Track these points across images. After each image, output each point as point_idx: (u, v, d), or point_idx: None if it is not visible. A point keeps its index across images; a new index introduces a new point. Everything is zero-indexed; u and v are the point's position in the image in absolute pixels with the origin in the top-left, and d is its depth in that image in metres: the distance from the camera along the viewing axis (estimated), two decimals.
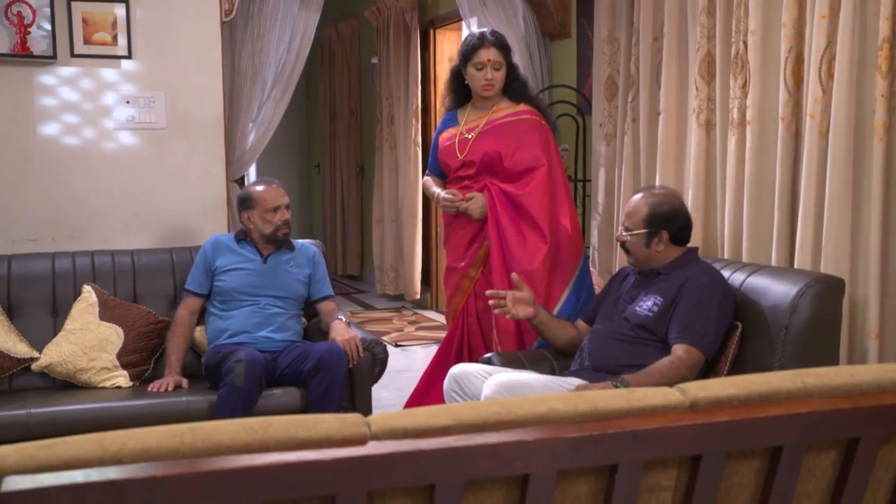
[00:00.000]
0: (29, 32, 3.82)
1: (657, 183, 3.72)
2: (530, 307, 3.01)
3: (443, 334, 4.16)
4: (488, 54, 3.42)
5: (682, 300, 2.70)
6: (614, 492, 1.36)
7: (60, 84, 3.95)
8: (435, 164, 3.68)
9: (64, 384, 3.33)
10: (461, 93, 3.58)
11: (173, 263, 3.63)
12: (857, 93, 2.81)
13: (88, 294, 3.44)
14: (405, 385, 4.18)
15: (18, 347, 3.32)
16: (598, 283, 3.67)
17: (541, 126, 3.48)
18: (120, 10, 3.95)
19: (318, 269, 3.56)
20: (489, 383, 2.66)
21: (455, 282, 3.54)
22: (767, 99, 3.17)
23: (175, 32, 4.07)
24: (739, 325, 2.70)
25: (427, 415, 1.32)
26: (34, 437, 1.22)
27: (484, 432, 1.30)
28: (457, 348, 3.53)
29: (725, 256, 3.36)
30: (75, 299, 3.46)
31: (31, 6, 3.81)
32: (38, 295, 3.47)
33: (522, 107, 3.51)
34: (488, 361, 3.04)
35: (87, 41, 3.94)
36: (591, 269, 3.78)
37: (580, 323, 3.11)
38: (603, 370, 2.76)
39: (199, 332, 3.49)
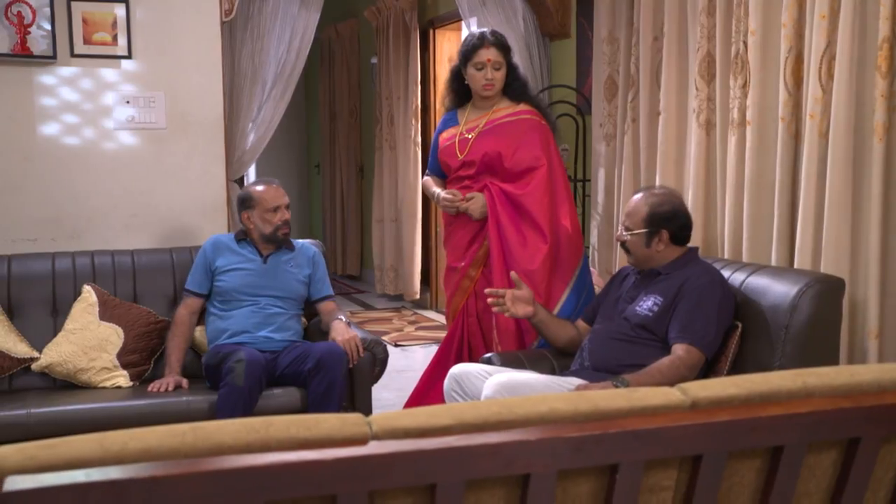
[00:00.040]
0: (29, 32, 3.82)
1: (657, 183, 3.73)
2: (529, 306, 3.01)
3: (442, 334, 4.16)
4: (488, 54, 3.43)
5: (682, 300, 2.71)
6: (615, 491, 1.36)
7: (60, 84, 3.96)
8: (435, 164, 3.68)
9: (64, 384, 3.33)
10: (461, 93, 3.58)
11: (173, 263, 3.63)
12: (856, 93, 2.81)
13: (88, 294, 3.44)
14: (405, 385, 4.18)
15: (18, 347, 3.32)
16: (598, 282, 3.67)
17: (541, 126, 3.48)
18: (120, 10, 3.95)
19: (318, 269, 3.56)
20: (489, 383, 2.67)
21: (455, 282, 3.54)
22: (767, 99, 3.17)
23: (175, 32, 4.07)
24: (739, 325, 2.71)
25: (428, 414, 1.32)
26: (34, 437, 1.22)
27: (485, 432, 1.30)
28: (457, 348, 3.53)
29: (725, 256, 3.36)
30: (75, 299, 3.46)
31: (31, 6, 3.81)
32: (38, 295, 3.47)
33: (522, 107, 3.51)
34: (488, 361, 3.04)
35: (87, 41, 3.94)
36: (591, 268, 3.78)
37: (580, 323, 3.11)
38: (603, 370, 2.76)
39: (199, 332, 3.49)
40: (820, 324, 2.55)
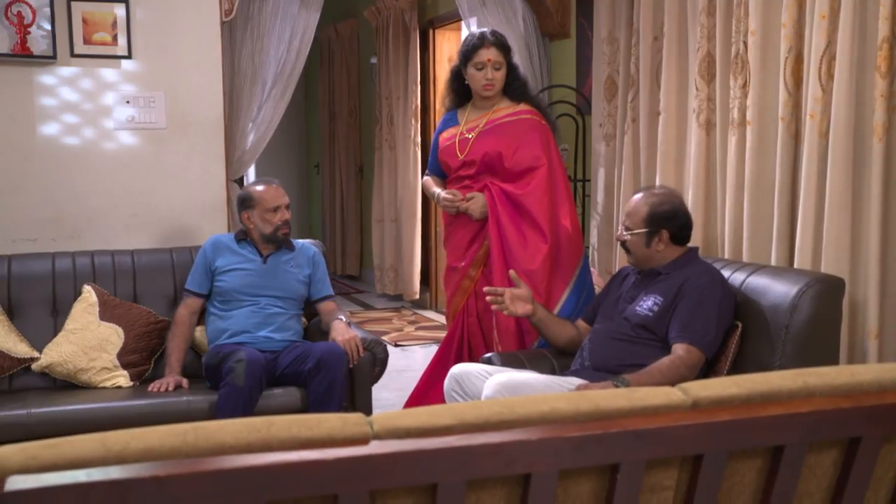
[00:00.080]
0: (29, 32, 3.82)
1: (657, 183, 3.73)
2: (529, 304, 3.01)
3: (442, 334, 4.16)
4: (488, 54, 3.43)
5: (682, 300, 2.71)
6: (616, 491, 1.37)
7: (60, 84, 3.95)
8: (435, 164, 3.68)
9: (64, 384, 3.33)
10: (461, 93, 3.58)
11: (173, 263, 3.63)
12: (856, 93, 2.82)
13: (88, 294, 3.44)
14: (405, 385, 4.19)
15: (19, 347, 3.32)
16: (598, 282, 3.68)
17: (541, 126, 3.48)
18: (120, 10, 3.95)
19: (318, 269, 3.57)
20: (490, 383, 2.67)
21: (455, 282, 3.54)
22: (767, 99, 3.17)
23: (175, 32, 4.07)
24: (739, 325, 2.71)
25: (429, 414, 1.32)
26: (35, 437, 1.22)
27: (486, 432, 1.30)
28: (457, 348, 3.53)
29: (725, 256, 3.36)
30: (75, 299, 3.46)
31: (31, 6, 3.81)
32: (38, 295, 3.47)
33: (523, 106, 3.51)
34: (488, 361, 3.04)
35: (87, 41, 3.94)
36: (591, 268, 3.78)
37: (580, 322, 3.11)
38: (603, 370, 2.77)
39: (200, 332, 3.49)
40: (820, 324, 2.55)
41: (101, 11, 3.94)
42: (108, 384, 3.30)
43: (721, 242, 3.43)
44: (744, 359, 2.68)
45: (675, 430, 1.36)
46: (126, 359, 3.35)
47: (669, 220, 2.82)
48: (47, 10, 3.83)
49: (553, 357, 3.09)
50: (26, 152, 3.93)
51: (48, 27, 3.85)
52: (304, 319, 3.58)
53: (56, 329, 3.41)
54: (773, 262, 3.13)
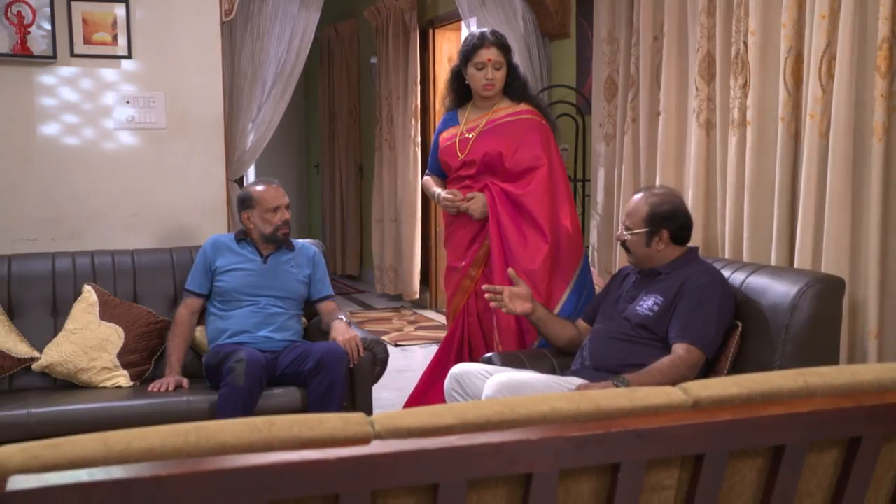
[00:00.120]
0: (29, 32, 3.82)
1: (657, 183, 3.73)
2: (527, 303, 3.02)
3: (442, 334, 4.16)
4: (489, 54, 3.43)
5: (682, 300, 2.71)
6: (617, 491, 1.37)
7: (60, 84, 3.95)
8: (435, 164, 3.68)
9: (64, 384, 3.33)
10: (462, 93, 3.58)
11: (173, 263, 3.63)
12: (856, 93, 2.82)
13: (89, 294, 3.45)
14: (405, 385, 4.19)
15: (19, 347, 3.32)
16: (598, 282, 3.68)
17: (541, 126, 3.48)
18: (120, 10, 3.95)
19: (319, 269, 3.57)
20: (490, 383, 2.67)
21: (456, 281, 3.54)
22: (767, 99, 3.17)
23: (175, 32, 4.07)
24: (740, 325, 2.71)
25: (430, 414, 1.32)
26: (35, 437, 1.22)
27: (487, 431, 1.30)
28: (457, 348, 3.53)
29: (726, 256, 3.36)
30: (75, 299, 3.46)
31: (31, 6, 3.81)
32: (38, 295, 3.47)
33: (523, 106, 3.51)
34: (489, 361, 3.04)
35: (87, 41, 3.94)
36: (591, 268, 3.78)
37: (580, 322, 3.11)
38: (604, 370, 2.77)
39: (200, 332, 3.49)
40: (820, 323, 2.55)
41: (101, 11, 3.94)
42: (108, 384, 3.31)
43: (721, 242, 3.43)
44: (744, 359, 2.68)
45: (675, 429, 1.36)
46: (126, 359, 3.35)
47: (669, 219, 2.82)
48: (47, 10, 3.83)
49: (553, 357, 3.09)
50: (26, 152, 3.93)
51: (48, 27, 3.85)
52: (304, 319, 3.58)
53: (56, 329, 3.41)
54: (773, 262, 3.13)
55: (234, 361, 3.07)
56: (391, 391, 4.36)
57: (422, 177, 4.49)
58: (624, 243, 2.90)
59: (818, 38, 2.89)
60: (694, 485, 1.43)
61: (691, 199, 3.51)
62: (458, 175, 3.53)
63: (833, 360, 2.61)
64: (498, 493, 1.34)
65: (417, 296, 6.86)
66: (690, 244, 2.91)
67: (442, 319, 6.24)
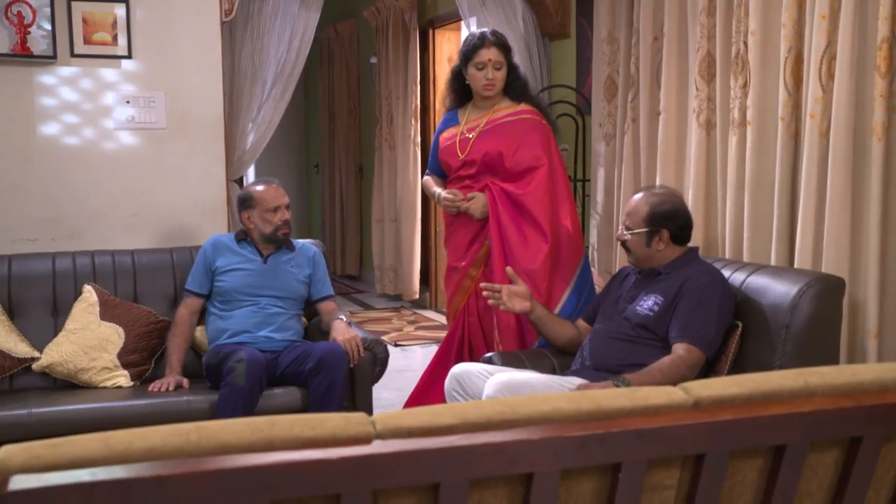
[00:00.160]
0: (29, 32, 3.82)
1: (657, 183, 3.73)
2: (526, 301, 3.02)
3: (442, 334, 4.16)
4: (489, 54, 3.43)
5: (682, 299, 2.71)
6: (618, 490, 1.37)
7: (60, 84, 3.95)
8: (435, 164, 3.68)
9: (65, 384, 3.33)
10: (462, 93, 3.58)
11: (173, 263, 3.63)
12: (856, 93, 2.82)
13: (89, 294, 3.45)
14: (405, 385, 4.19)
15: (19, 347, 3.32)
16: (598, 282, 3.68)
17: (541, 125, 3.49)
18: (120, 10, 3.95)
19: (319, 269, 3.57)
20: (490, 383, 2.67)
21: (456, 281, 3.54)
22: (767, 99, 3.18)
23: (175, 32, 4.07)
24: (740, 325, 2.71)
25: (431, 414, 1.32)
26: (35, 437, 1.22)
27: (488, 431, 1.30)
28: (457, 348, 3.53)
29: (726, 256, 3.36)
30: (76, 299, 3.46)
31: (31, 6, 3.81)
32: (38, 295, 3.47)
33: (523, 106, 3.51)
34: (489, 361, 3.05)
35: (87, 41, 3.94)
36: (591, 268, 3.78)
37: (581, 322, 3.11)
38: (604, 369, 2.77)
39: (200, 332, 3.49)
40: (820, 323, 2.55)
41: (101, 11, 3.94)
42: (108, 384, 3.31)
43: (721, 242, 3.43)
44: (744, 358, 2.68)
45: (676, 429, 1.36)
46: (126, 359, 3.35)
47: (670, 219, 2.82)
48: (47, 9, 3.83)
49: (553, 357, 3.09)
50: (26, 152, 3.93)
51: (48, 27, 3.85)
52: (304, 319, 3.58)
53: (56, 329, 3.41)
54: (773, 261, 3.13)
55: (235, 361, 3.08)
56: (391, 391, 4.36)
57: (422, 177, 4.48)
58: (624, 243, 2.90)
59: (818, 38, 2.89)
60: (695, 484, 1.43)
61: (691, 199, 3.51)
62: (459, 175, 3.53)
63: (833, 359, 2.61)
64: (499, 492, 1.34)
65: (417, 296, 6.86)
66: (690, 244, 2.91)
67: (442, 319, 6.24)
